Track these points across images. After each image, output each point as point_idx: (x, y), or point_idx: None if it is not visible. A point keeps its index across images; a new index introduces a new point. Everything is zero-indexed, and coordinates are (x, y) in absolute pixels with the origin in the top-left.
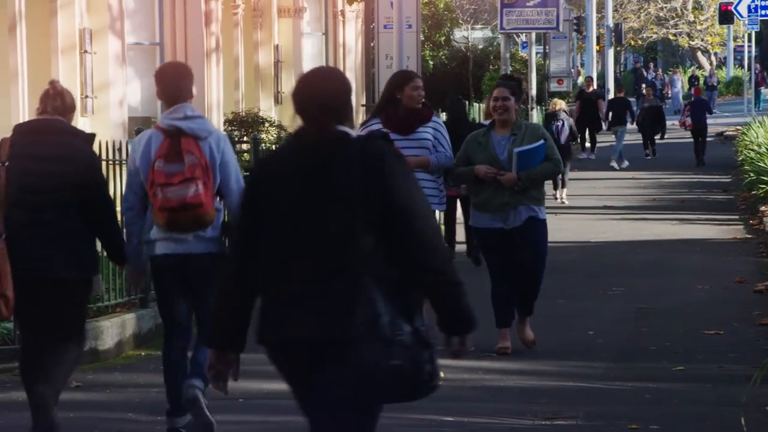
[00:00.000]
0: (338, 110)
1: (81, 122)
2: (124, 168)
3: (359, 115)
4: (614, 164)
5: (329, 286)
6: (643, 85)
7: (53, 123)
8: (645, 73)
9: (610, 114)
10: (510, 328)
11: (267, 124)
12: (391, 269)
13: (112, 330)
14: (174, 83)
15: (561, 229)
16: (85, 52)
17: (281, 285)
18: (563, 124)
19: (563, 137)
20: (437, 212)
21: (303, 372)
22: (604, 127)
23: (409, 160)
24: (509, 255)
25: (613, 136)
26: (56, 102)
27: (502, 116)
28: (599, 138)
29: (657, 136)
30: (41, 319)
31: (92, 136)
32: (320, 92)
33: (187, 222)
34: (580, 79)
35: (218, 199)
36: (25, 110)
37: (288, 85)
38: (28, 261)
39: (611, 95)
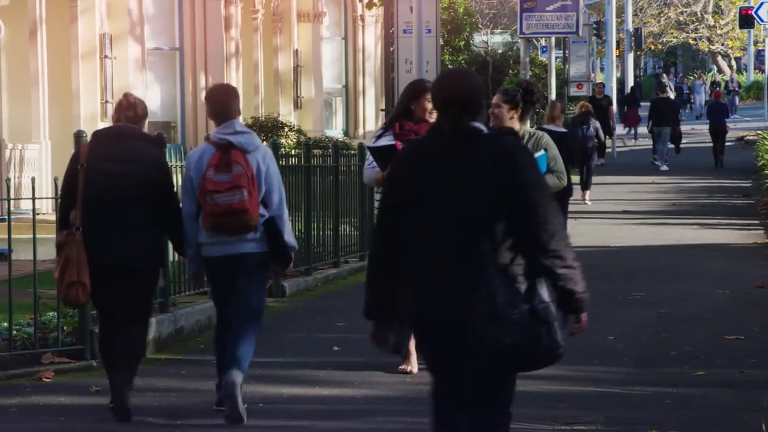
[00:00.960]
0: (472, 108)
1: (100, 127)
2: None
3: (378, 120)
4: (659, 163)
5: (459, 267)
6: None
7: (125, 129)
8: (665, 77)
9: (653, 115)
10: None
11: (286, 129)
12: (515, 252)
13: None
14: (223, 103)
15: (580, 234)
16: (105, 57)
17: (420, 266)
18: (589, 128)
19: (590, 142)
20: None
21: (439, 344)
22: (620, 129)
23: None
24: None
25: (650, 136)
26: (129, 112)
27: (493, 123)
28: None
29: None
30: (115, 304)
31: (161, 138)
32: (456, 92)
33: (232, 225)
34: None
35: (262, 206)
36: (45, 114)
37: (307, 89)
38: (102, 251)
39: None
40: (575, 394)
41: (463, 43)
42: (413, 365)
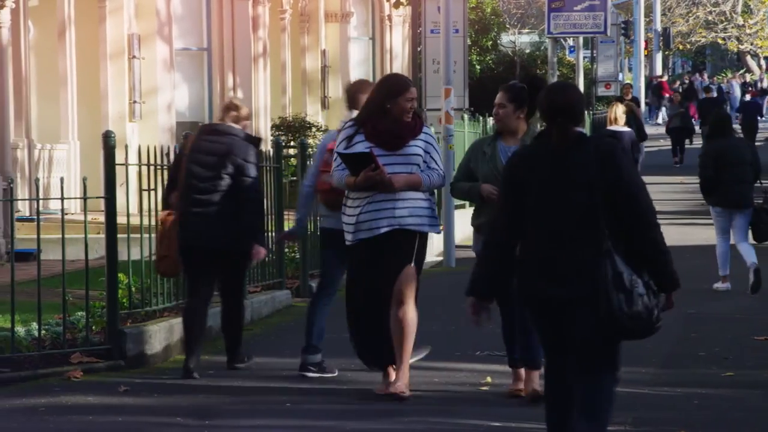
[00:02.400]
0: (575, 116)
1: (129, 127)
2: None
3: None
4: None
5: (575, 253)
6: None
7: (221, 127)
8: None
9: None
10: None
11: (314, 129)
12: (618, 238)
13: (160, 334)
14: (351, 93)
15: None
16: (134, 57)
17: (539, 251)
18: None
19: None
20: (431, 235)
21: (556, 319)
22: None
23: (396, 179)
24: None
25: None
26: (231, 113)
27: (498, 125)
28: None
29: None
30: (205, 278)
31: (258, 140)
32: (562, 103)
33: (337, 201)
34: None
35: None
36: (73, 114)
37: (335, 90)
38: (194, 235)
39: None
40: None
41: (490, 43)
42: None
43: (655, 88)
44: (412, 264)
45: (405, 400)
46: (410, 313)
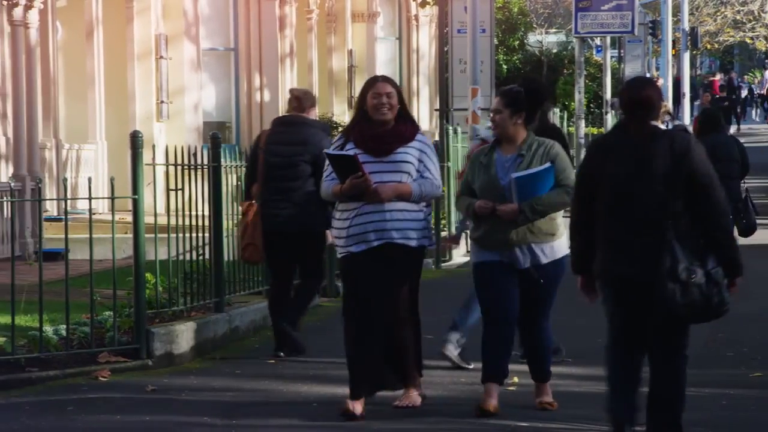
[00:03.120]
0: (652, 110)
1: (156, 127)
2: (199, 173)
3: (432, 120)
4: None
5: (648, 239)
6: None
7: (293, 117)
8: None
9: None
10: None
11: (340, 129)
12: (691, 225)
13: (187, 334)
14: None
15: None
16: (161, 57)
17: (616, 234)
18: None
19: None
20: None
21: (631, 299)
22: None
23: (383, 189)
24: (509, 292)
25: None
26: (295, 103)
27: (494, 132)
28: None
29: None
30: (287, 262)
31: (326, 125)
32: (641, 98)
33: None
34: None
35: None
36: (101, 114)
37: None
38: (276, 220)
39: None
40: None
41: (517, 42)
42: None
43: (706, 87)
44: (406, 284)
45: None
46: (404, 333)
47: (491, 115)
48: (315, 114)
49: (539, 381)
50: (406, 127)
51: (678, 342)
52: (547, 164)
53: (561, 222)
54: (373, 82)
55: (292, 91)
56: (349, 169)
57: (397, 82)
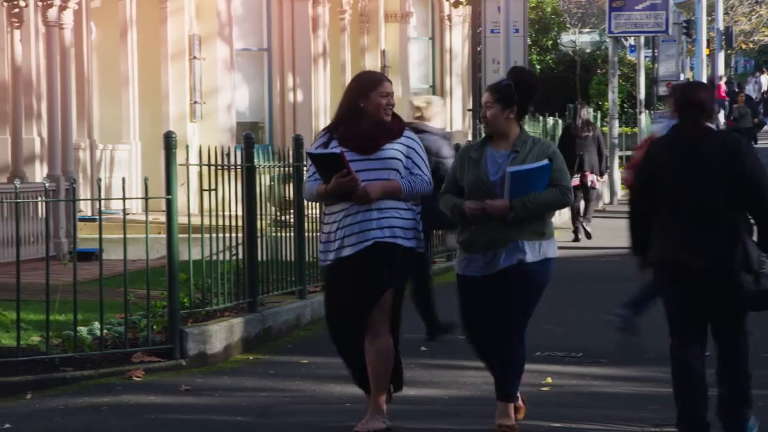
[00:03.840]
0: (706, 112)
1: (189, 128)
2: (233, 173)
3: (465, 120)
4: None
5: (713, 231)
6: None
7: (418, 125)
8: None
9: None
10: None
11: None
12: (743, 218)
13: (221, 334)
14: None
15: None
16: (194, 58)
17: (676, 227)
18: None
19: None
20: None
21: (690, 288)
22: None
23: (372, 188)
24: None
25: None
26: (419, 113)
27: (485, 128)
28: None
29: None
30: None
31: (449, 133)
32: (695, 99)
33: None
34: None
35: None
36: (135, 115)
37: (394, 90)
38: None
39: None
40: (665, 396)
41: (550, 42)
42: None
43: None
44: (391, 288)
45: None
46: (383, 344)
47: (482, 110)
48: (441, 121)
49: (503, 399)
50: (393, 123)
51: (742, 325)
52: (545, 161)
53: (551, 223)
54: (380, 80)
55: (414, 100)
56: (334, 168)
57: (430, 82)
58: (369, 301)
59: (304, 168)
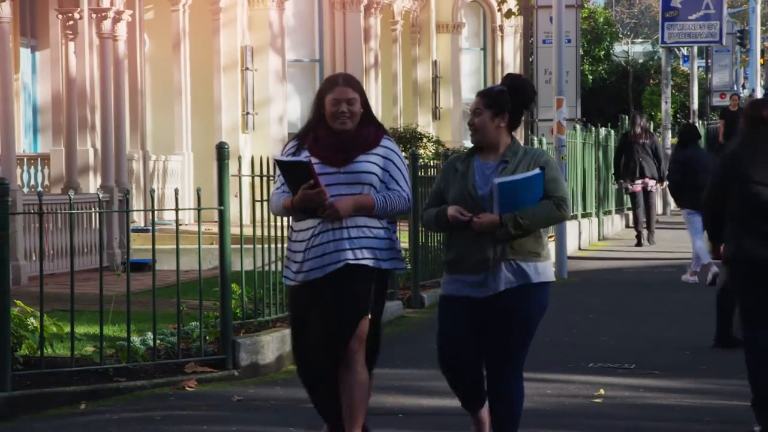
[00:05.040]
0: None
1: (242, 138)
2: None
3: (518, 131)
4: None
5: None
6: None
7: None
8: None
9: None
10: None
11: (425, 140)
12: None
13: (273, 345)
14: None
15: None
16: (247, 69)
17: (752, 227)
18: None
19: None
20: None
21: (761, 281)
22: None
23: (342, 204)
24: (467, 340)
25: None
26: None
27: (473, 137)
28: None
29: None
30: None
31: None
32: (762, 115)
33: None
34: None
35: None
36: (187, 126)
37: (446, 100)
38: None
39: None
40: (719, 408)
41: (603, 52)
42: None
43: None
44: (368, 313)
45: None
46: (357, 375)
47: (470, 117)
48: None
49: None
50: (369, 131)
51: None
52: (536, 170)
53: (547, 244)
54: (333, 84)
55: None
56: (302, 178)
57: None
58: (342, 330)
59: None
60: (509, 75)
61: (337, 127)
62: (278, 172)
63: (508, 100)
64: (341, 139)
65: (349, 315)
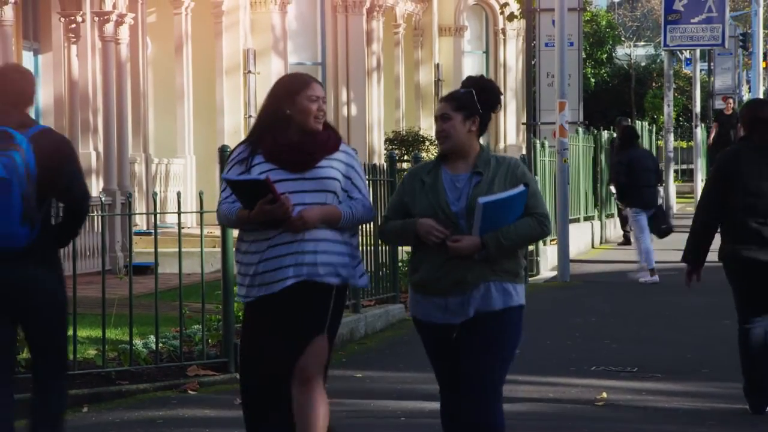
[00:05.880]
0: None
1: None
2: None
3: (519, 134)
4: None
5: None
6: None
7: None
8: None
9: None
10: None
11: (427, 143)
12: None
13: None
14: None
15: None
16: (249, 72)
17: (748, 226)
18: None
19: None
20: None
21: (755, 277)
22: None
23: (309, 214)
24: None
25: None
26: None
27: (443, 145)
28: None
29: None
30: None
31: None
32: (760, 114)
33: None
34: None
35: None
36: (190, 129)
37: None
38: None
39: None
40: (723, 412)
41: (605, 56)
42: None
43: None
44: (324, 331)
45: None
46: (317, 398)
47: (437, 124)
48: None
49: None
50: (328, 135)
51: None
52: (521, 187)
53: (523, 263)
54: (307, 81)
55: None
56: (259, 194)
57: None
58: (299, 348)
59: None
60: (470, 77)
61: (312, 126)
62: (224, 183)
63: (476, 101)
64: (306, 141)
65: (305, 334)
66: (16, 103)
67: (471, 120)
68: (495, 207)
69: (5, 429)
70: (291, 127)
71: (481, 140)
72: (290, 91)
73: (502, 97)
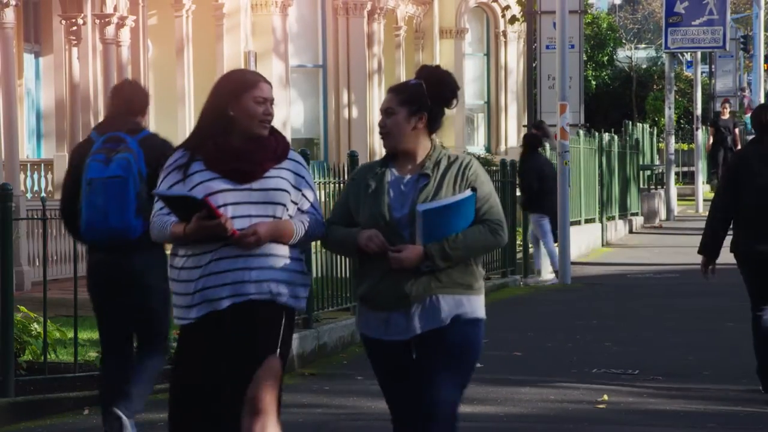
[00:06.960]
0: None
1: None
2: None
3: (520, 136)
4: None
5: None
6: None
7: None
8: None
9: None
10: None
11: None
12: None
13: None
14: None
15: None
16: None
17: (758, 223)
18: None
19: None
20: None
21: (764, 270)
22: None
23: (263, 230)
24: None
25: None
26: None
27: (384, 143)
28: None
29: None
30: None
31: None
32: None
33: None
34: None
35: None
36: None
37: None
38: None
39: None
40: (723, 414)
41: (606, 58)
42: None
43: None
44: (276, 354)
45: None
46: (270, 428)
47: (381, 119)
48: None
49: None
50: (276, 140)
51: None
52: (467, 192)
53: (481, 273)
54: (254, 81)
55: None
56: (195, 209)
57: (485, 99)
58: (248, 373)
59: None
60: (425, 66)
61: (257, 131)
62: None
63: (425, 95)
64: (251, 148)
65: (255, 356)
66: (128, 112)
67: (417, 116)
68: (437, 214)
69: (117, 390)
70: (234, 131)
71: (482, 141)
72: (235, 90)
73: (458, 92)
